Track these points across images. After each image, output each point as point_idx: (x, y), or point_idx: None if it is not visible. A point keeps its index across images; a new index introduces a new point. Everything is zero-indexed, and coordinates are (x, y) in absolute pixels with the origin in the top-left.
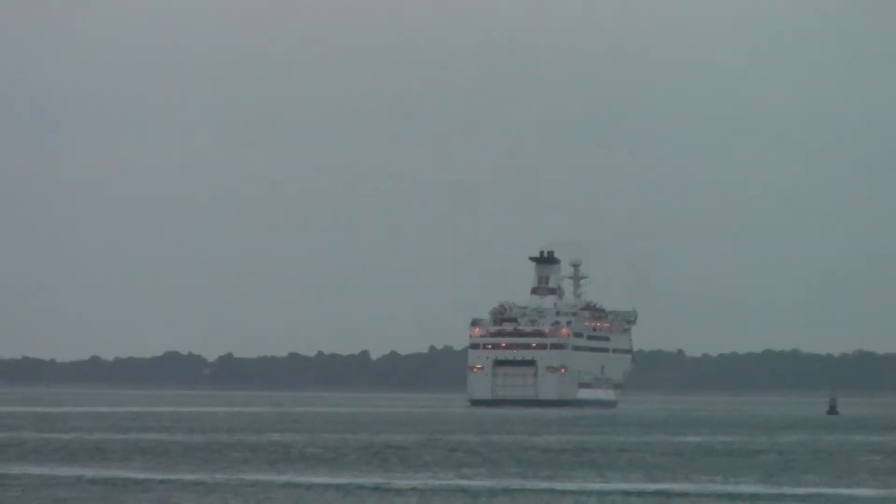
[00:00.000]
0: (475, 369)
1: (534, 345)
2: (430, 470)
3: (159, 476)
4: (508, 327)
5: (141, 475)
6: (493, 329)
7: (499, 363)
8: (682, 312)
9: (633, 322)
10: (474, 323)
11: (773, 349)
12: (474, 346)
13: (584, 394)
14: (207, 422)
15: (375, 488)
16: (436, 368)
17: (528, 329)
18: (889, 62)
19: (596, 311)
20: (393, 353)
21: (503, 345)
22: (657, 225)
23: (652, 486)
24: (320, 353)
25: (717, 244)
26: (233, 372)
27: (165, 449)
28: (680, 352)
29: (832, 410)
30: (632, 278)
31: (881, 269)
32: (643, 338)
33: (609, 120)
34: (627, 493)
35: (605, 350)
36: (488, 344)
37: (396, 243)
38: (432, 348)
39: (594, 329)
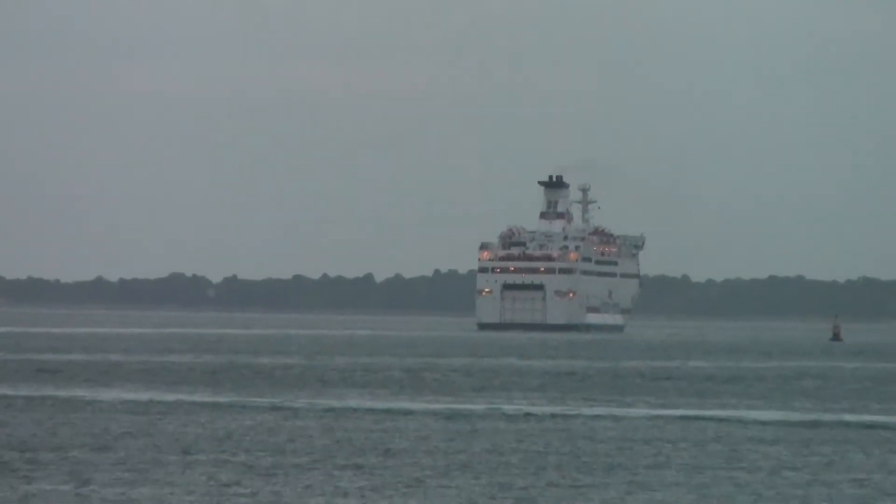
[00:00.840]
0: (484, 293)
1: (542, 269)
2: (457, 394)
3: (174, 397)
4: (517, 251)
5: (155, 396)
6: (502, 253)
7: (507, 287)
8: (688, 237)
9: (641, 247)
10: (483, 247)
11: (777, 275)
12: (483, 270)
13: (592, 318)
14: (220, 344)
15: (388, 411)
16: (440, 292)
17: (537, 253)
18: None
19: (604, 236)
20: (398, 276)
21: (512, 269)
22: (665, 151)
23: (667, 412)
24: (325, 276)
25: (723, 171)
26: (237, 294)
27: (176, 370)
28: (685, 277)
29: (836, 337)
30: (640, 203)
31: (886, 196)
32: (647, 262)
33: (619, 46)
34: (637, 419)
35: (613, 275)
36: (497, 268)
37: (402, 166)
38: (437, 272)
39: (602, 254)
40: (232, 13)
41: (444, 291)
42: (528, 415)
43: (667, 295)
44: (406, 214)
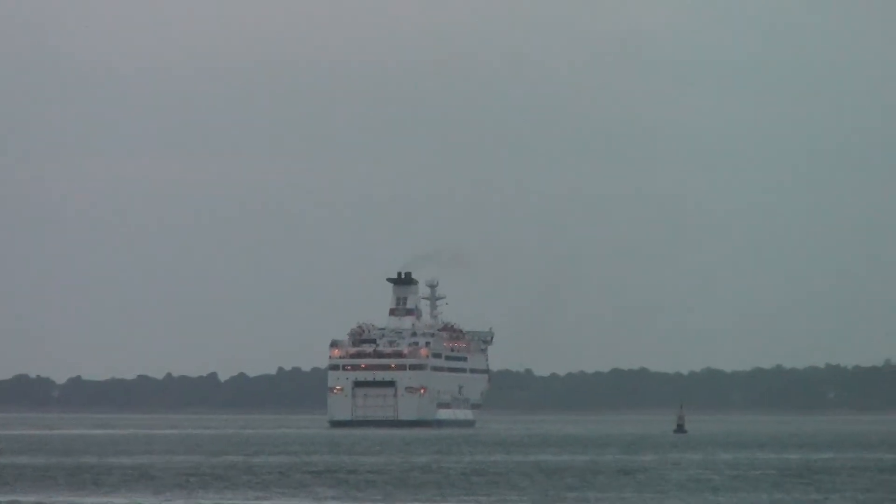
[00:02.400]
0: (335, 391)
1: (393, 366)
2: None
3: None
4: (368, 348)
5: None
6: (353, 350)
7: (358, 384)
8: (530, 331)
9: (490, 342)
10: (333, 344)
11: (621, 368)
12: (334, 368)
13: (443, 414)
14: (64, 444)
15: None
16: (284, 390)
17: (388, 350)
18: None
19: (453, 332)
20: (241, 375)
21: (363, 366)
22: (511, 243)
23: None
24: (169, 375)
25: (561, 263)
26: (82, 394)
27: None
28: (528, 371)
29: (680, 429)
30: (486, 297)
31: (725, 288)
32: (492, 357)
33: (465, 142)
34: None
35: (463, 370)
36: (348, 365)
37: (246, 265)
38: (280, 370)
39: (452, 349)
40: None
41: (289, 389)
42: None
43: (511, 389)
44: (250, 312)
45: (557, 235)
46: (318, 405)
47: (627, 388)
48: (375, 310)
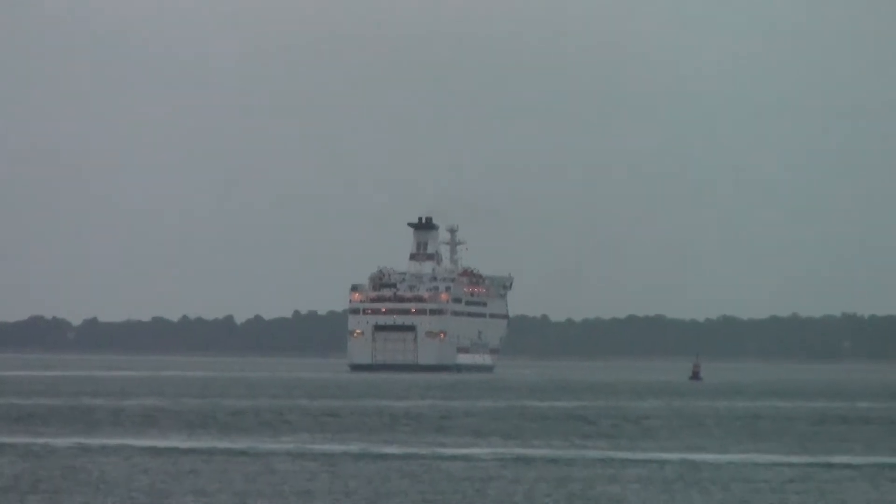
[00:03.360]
0: (355, 334)
1: (413, 310)
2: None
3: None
4: (388, 293)
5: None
6: (373, 295)
7: (379, 328)
8: (546, 277)
9: (509, 287)
10: (354, 288)
11: (637, 314)
12: (354, 312)
13: (463, 359)
14: (82, 386)
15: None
16: (301, 333)
17: (408, 294)
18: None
19: (473, 277)
20: (258, 318)
21: (383, 310)
22: (524, 192)
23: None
24: (185, 318)
25: (579, 210)
26: (97, 336)
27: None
28: (544, 317)
29: (695, 376)
30: (503, 243)
31: (742, 236)
32: (509, 302)
33: (494, 93)
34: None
35: (483, 315)
36: (368, 309)
37: (264, 205)
38: (297, 313)
39: (472, 294)
40: None
41: (305, 333)
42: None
43: (528, 335)
44: (266, 255)
45: (576, 184)
46: (335, 349)
47: (643, 334)
48: (395, 254)
